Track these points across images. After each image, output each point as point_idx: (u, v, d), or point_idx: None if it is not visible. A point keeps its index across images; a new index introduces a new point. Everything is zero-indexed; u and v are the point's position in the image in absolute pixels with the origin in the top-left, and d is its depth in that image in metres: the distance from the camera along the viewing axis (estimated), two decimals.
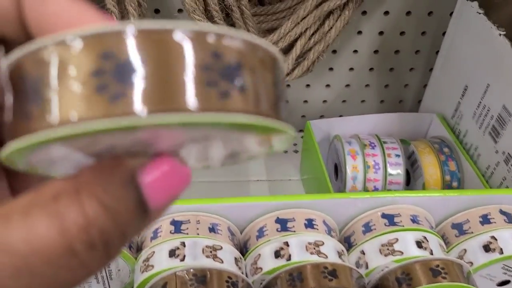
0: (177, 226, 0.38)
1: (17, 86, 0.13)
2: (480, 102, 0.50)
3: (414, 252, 0.38)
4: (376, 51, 0.63)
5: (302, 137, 0.71)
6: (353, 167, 0.53)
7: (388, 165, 0.53)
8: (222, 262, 0.36)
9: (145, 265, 0.37)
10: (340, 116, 0.69)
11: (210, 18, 0.49)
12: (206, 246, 0.37)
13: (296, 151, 0.69)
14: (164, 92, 0.12)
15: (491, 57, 0.47)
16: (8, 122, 0.13)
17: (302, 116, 0.71)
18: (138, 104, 0.12)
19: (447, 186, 0.53)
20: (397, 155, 0.54)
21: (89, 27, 0.12)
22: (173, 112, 0.12)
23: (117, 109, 0.12)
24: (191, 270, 0.35)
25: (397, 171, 0.53)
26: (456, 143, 0.55)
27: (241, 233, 0.42)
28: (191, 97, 0.12)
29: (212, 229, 0.39)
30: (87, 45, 0.12)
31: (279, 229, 0.39)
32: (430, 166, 0.53)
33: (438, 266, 0.36)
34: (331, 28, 0.51)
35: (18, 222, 0.12)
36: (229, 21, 0.51)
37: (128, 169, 0.13)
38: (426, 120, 0.61)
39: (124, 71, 0.12)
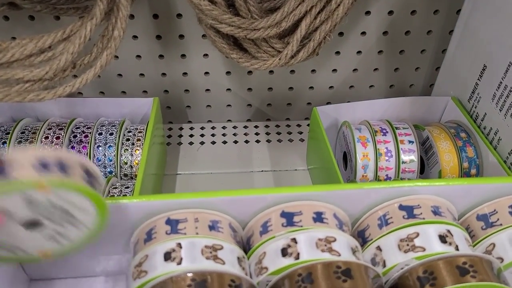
0: (173, 225, 0.34)
1: None
2: (501, 83, 0.46)
3: (437, 248, 0.34)
4: (385, 33, 0.59)
5: (308, 125, 0.67)
6: (363, 155, 0.50)
7: (401, 152, 0.49)
8: (224, 263, 0.33)
9: (137, 271, 0.33)
10: (348, 102, 0.65)
11: None
12: (205, 247, 0.33)
13: (302, 140, 0.65)
14: None
15: None
16: None
17: (308, 103, 0.67)
18: None
19: (465, 173, 0.49)
20: (411, 141, 0.50)
21: None
22: None
23: None
24: (190, 274, 0.31)
25: (411, 158, 0.49)
26: (473, 127, 0.51)
27: (243, 229, 0.38)
28: None
29: (213, 227, 0.35)
30: None
31: (284, 224, 0.36)
32: (446, 152, 0.49)
33: (465, 263, 0.32)
34: (339, 5, 0.47)
35: None
36: (229, 0, 0.46)
37: None
38: (440, 104, 0.57)
39: None
